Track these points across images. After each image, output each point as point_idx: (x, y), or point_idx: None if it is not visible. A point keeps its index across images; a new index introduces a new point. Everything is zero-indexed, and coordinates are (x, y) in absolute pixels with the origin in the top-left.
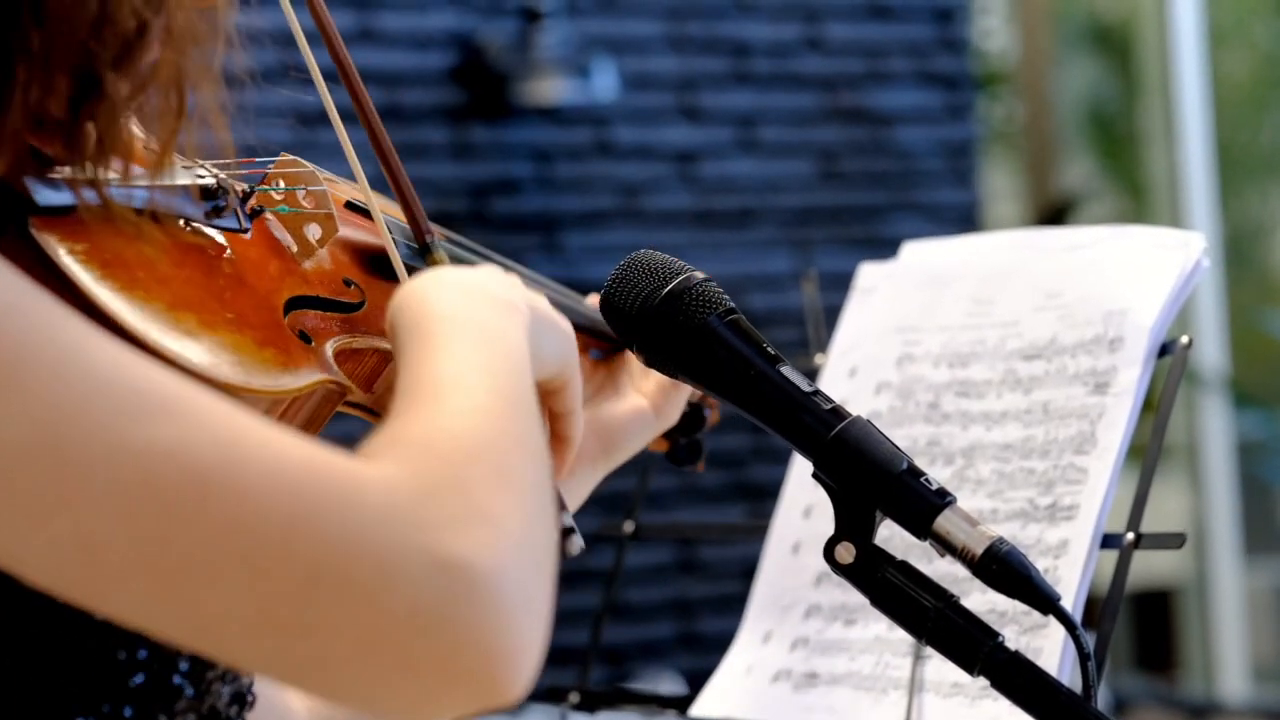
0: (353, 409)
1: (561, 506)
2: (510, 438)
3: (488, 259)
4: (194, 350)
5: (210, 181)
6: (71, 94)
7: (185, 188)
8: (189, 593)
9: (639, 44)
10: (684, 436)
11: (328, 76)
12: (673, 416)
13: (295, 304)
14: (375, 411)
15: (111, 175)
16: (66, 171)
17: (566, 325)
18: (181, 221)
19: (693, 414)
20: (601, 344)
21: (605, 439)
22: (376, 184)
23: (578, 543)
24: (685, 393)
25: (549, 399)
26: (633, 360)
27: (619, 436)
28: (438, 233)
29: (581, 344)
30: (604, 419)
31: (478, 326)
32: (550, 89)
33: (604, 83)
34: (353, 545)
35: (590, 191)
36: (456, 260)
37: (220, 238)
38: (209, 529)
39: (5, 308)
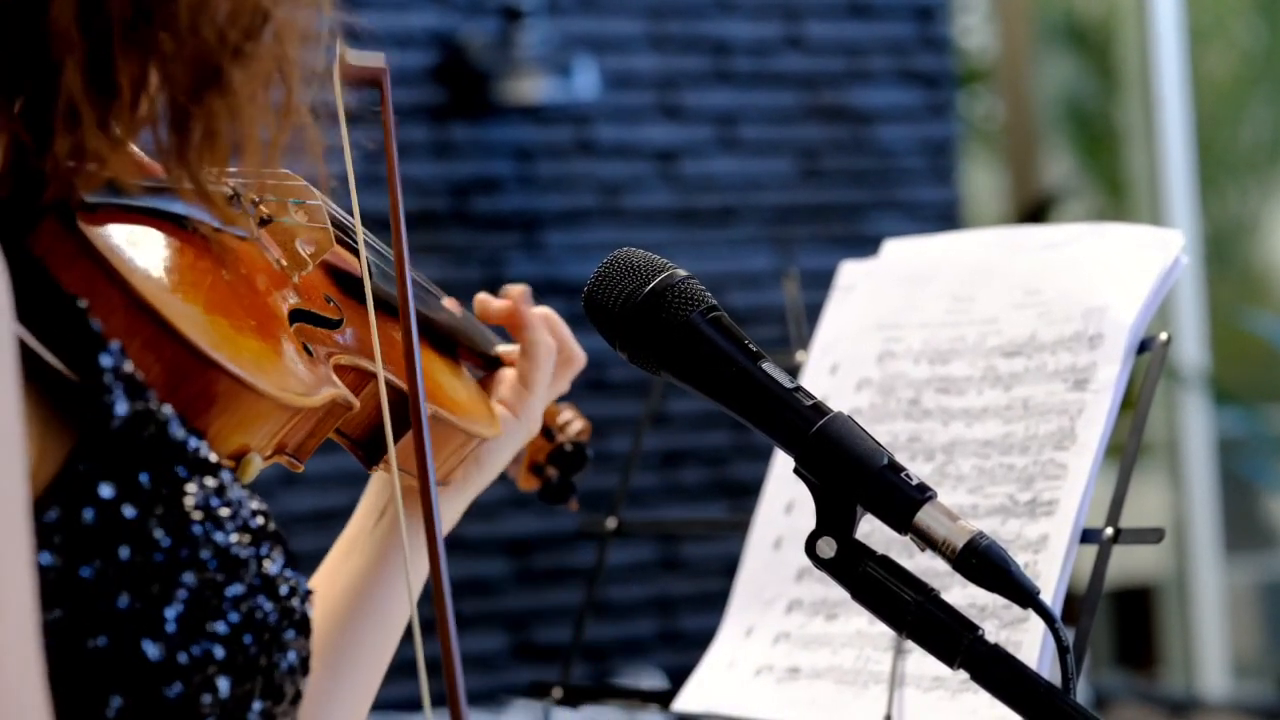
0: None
1: None
2: None
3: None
4: (232, 357)
5: (228, 190)
6: (191, 86)
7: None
8: None
9: (620, 43)
10: (560, 474)
11: None
12: (534, 420)
13: (295, 316)
14: (344, 433)
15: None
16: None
17: None
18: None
19: (575, 453)
20: (478, 362)
21: (473, 455)
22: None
23: None
24: (540, 396)
25: None
26: (501, 375)
27: (485, 451)
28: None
29: (465, 358)
30: None
31: None
32: (531, 88)
33: (585, 81)
34: None
35: (571, 190)
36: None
37: (230, 245)
38: None
39: None
